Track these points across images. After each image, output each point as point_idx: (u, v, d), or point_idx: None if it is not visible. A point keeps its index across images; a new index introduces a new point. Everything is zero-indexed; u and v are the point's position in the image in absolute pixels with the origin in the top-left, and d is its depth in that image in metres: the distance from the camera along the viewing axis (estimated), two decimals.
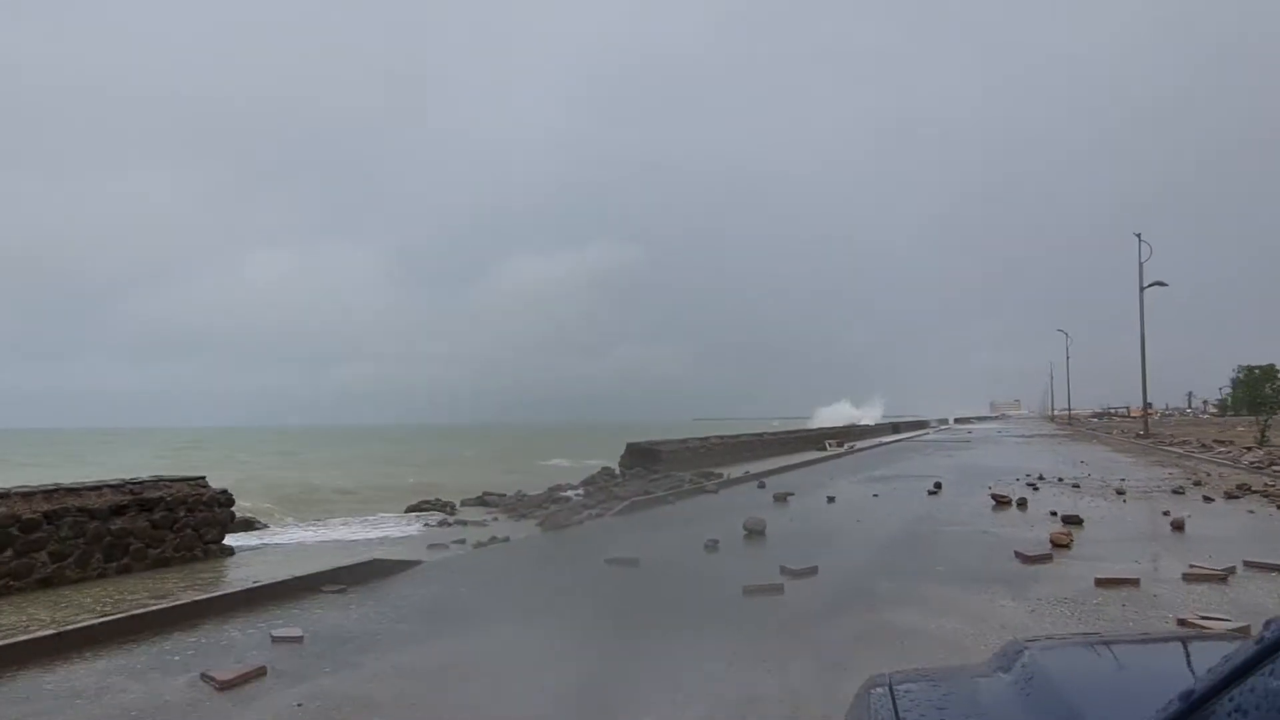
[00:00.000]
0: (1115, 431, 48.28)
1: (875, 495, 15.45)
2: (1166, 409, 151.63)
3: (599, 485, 17.68)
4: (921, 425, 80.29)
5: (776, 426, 49.78)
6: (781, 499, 15.01)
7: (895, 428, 66.48)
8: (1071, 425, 75.58)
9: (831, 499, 14.87)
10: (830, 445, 38.42)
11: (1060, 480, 17.93)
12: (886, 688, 1.43)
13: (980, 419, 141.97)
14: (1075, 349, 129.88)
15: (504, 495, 16.36)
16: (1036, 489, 16.11)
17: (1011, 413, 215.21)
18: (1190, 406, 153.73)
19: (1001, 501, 13.83)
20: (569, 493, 17.16)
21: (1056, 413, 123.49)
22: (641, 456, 21.98)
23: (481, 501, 15.78)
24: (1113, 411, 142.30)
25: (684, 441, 23.95)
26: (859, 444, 41.52)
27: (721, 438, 27.11)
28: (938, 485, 16.53)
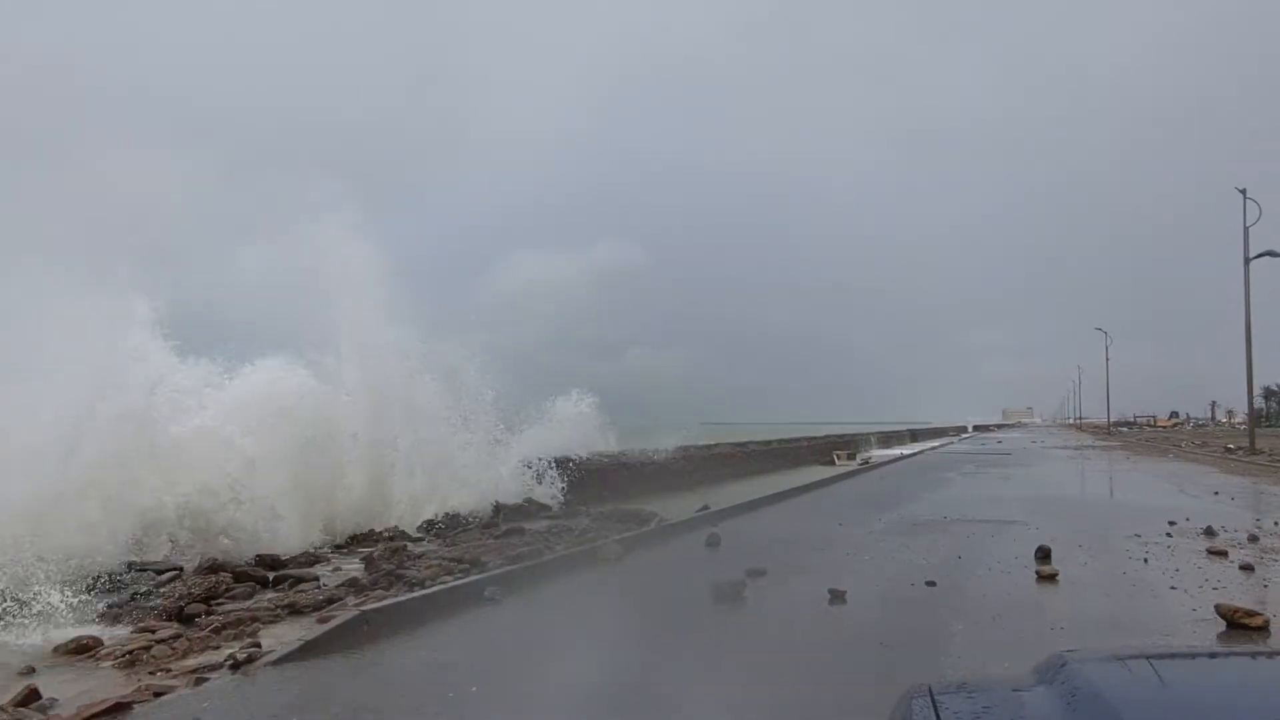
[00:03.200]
0: (1185, 444, 39.87)
1: (931, 584, 7.39)
2: (1186, 418, 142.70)
3: (396, 548, 9.71)
4: (940, 433, 72.35)
5: (795, 433, 41.93)
6: (734, 590, 7.03)
7: (913, 435, 58.49)
8: (1111, 435, 67.17)
9: (837, 595, 6.86)
10: (840, 458, 30.45)
11: (1254, 540, 9.91)
12: (928, 697, 1.32)
13: (999, 426, 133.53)
14: (1086, 359, 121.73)
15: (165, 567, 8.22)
16: (1250, 571, 8.08)
17: (1026, 420, 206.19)
18: (1213, 417, 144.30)
19: (1248, 624, 5.81)
20: (356, 557, 9.24)
21: (1083, 420, 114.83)
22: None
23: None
24: (1137, 420, 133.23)
25: (617, 456, 16.07)
26: (875, 455, 33.51)
27: (686, 449, 19.22)
28: (1044, 554, 8.54)
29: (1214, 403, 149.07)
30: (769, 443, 26.16)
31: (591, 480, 14.57)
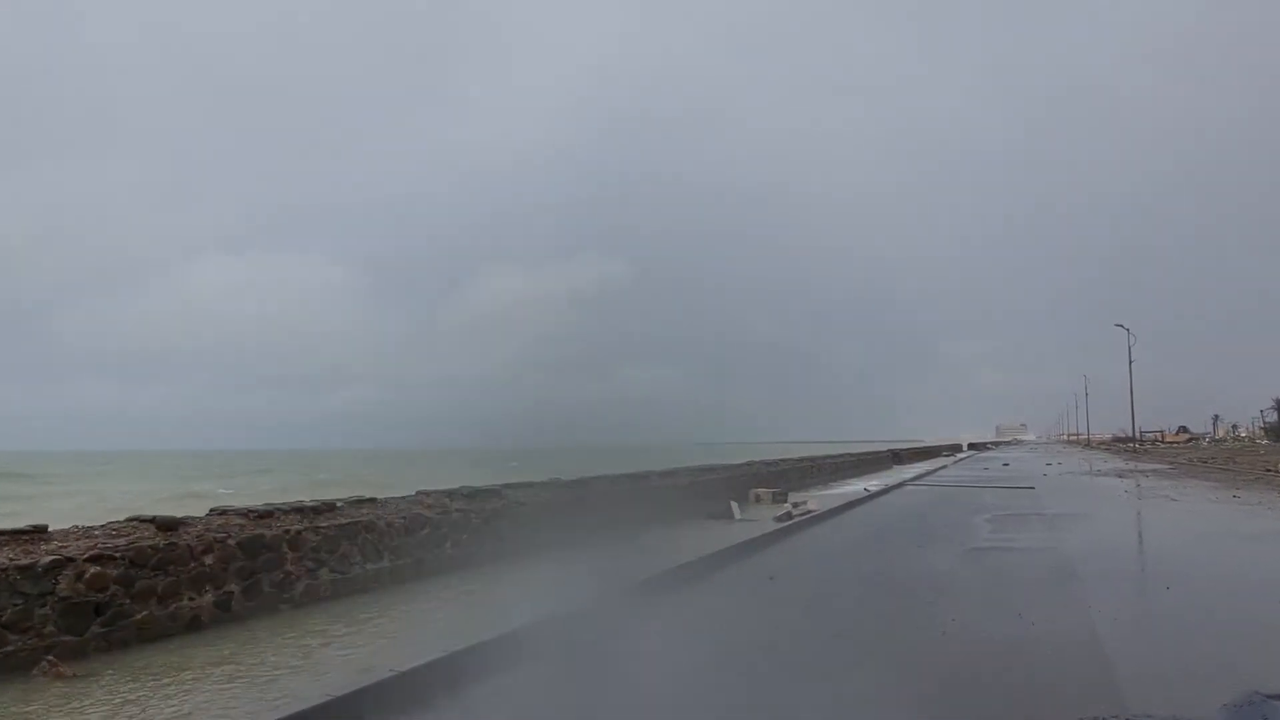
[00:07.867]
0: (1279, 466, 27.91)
1: None
2: (1200, 434, 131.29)
3: None
4: (930, 453, 60.48)
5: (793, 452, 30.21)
6: None
7: (895, 456, 46.58)
8: (1138, 454, 55.45)
9: None
10: (759, 500, 18.51)
11: None
12: None
13: (995, 444, 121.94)
14: (1086, 371, 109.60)
15: None
16: None
17: (1022, 437, 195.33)
18: (1216, 432, 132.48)
19: None
20: None
21: (1092, 436, 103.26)
22: None
23: None
24: (1146, 436, 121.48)
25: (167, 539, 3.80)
26: (829, 491, 21.52)
27: (345, 507, 7.29)
28: None
29: (1216, 416, 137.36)
30: (614, 481, 14.19)
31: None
